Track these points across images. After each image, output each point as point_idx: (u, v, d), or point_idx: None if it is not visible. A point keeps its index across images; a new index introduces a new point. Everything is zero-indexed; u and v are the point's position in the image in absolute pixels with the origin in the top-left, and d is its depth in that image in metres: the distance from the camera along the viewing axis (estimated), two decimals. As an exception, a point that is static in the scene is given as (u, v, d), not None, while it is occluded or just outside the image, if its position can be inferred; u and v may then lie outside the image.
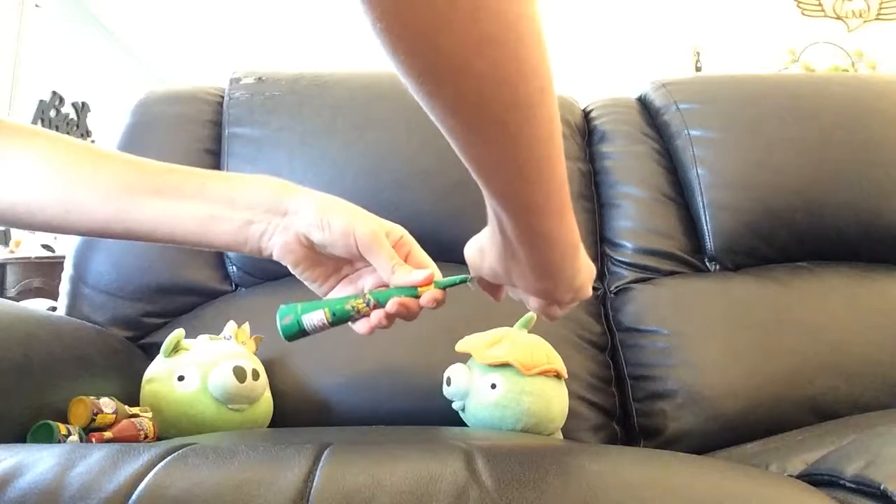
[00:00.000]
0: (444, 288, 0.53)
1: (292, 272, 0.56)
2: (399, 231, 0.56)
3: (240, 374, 0.86)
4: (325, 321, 0.52)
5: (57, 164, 0.53)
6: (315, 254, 0.54)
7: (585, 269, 0.50)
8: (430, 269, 0.54)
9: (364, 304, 0.52)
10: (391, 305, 0.51)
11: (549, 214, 0.42)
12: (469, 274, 0.53)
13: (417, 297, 0.52)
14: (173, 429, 0.84)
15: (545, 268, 0.46)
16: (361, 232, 0.52)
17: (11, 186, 0.53)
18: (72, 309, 1.09)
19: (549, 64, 0.35)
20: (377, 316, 0.52)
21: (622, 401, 1.06)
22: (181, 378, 0.86)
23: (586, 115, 1.32)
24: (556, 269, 0.47)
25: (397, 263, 0.52)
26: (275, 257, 0.54)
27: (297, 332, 0.53)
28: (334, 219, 0.52)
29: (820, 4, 3.46)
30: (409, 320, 0.53)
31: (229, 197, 0.53)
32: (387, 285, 0.53)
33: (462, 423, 0.91)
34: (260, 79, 1.21)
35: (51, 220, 0.53)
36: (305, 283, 0.56)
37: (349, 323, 0.54)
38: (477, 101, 0.34)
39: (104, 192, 0.52)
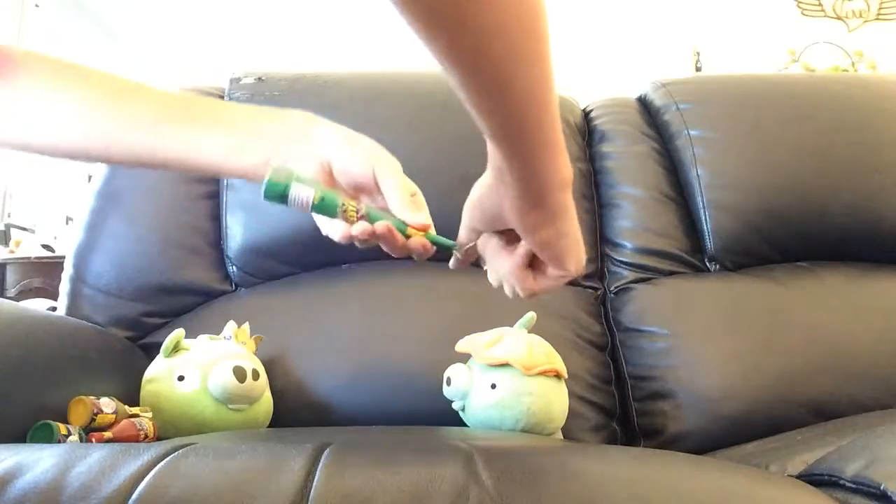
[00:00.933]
0: (434, 243, 0.53)
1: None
2: (415, 187, 0.57)
3: (240, 374, 0.86)
4: (310, 202, 0.50)
5: (96, 102, 0.56)
6: (332, 182, 0.55)
7: (572, 230, 0.50)
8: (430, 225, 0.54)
9: (354, 211, 0.51)
10: (380, 226, 0.51)
11: (538, 143, 0.43)
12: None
13: (407, 237, 0.52)
14: (173, 429, 0.84)
15: (531, 194, 0.46)
16: (382, 158, 0.54)
17: (53, 128, 0.56)
18: (72, 309, 1.09)
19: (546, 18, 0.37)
20: (359, 228, 0.51)
21: (622, 401, 1.06)
22: (181, 378, 0.86)
23: (586, 115, 1.32)
24: (541, 196, 0.46)
25: (406, 197, 0.53)
26: None
27: (278, 196, 0.50)
28: (358, 146, 0.54)
29: (820, 4, 3.46)
30: (389, 251, 0.53)
31: (257, 127, 0.55)
32: None
33: (462, 423, 0.91)
34: (260, 79, 1.21)
35: (90, 153, 0.57)
36: None
37: (327, 219, 0.53)
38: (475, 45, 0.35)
39: (141, 124, 0.55)
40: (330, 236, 0.55)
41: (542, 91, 0.40)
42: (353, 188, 0.56)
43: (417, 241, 0.52)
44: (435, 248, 0.53)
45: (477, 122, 0.41)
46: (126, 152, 0.56)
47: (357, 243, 0.52)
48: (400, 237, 0.52)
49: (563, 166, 0.45)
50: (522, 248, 0.52)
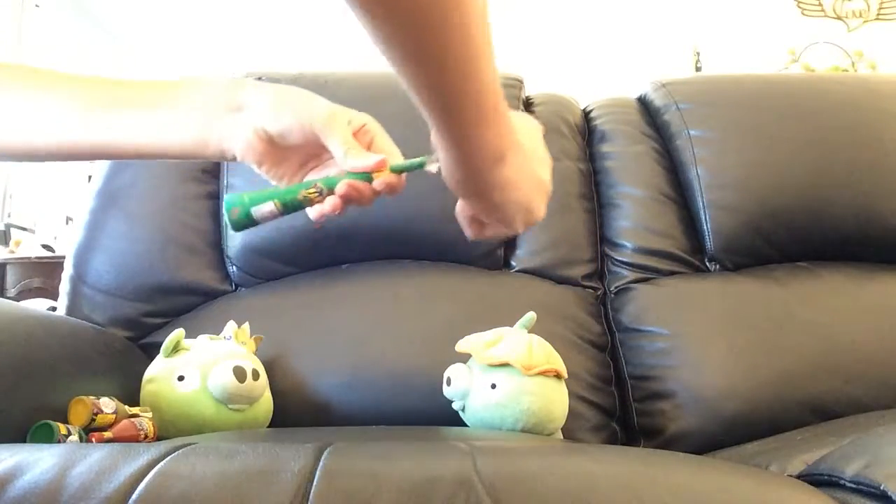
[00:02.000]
0: (399, 172, 0.51)
1: (258, 171, 0.54)
2: (363, 118, 0.54)
3: (240, 374, 0.86)
4: (276, 211, 0.51)
5: (16, 93, 0.54)
6: (277, 149, 0.52)
7: (515, 196, 0.50)
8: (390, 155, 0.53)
9: (316, 193, 0.50)
10: (341, 187, 0.50)
11: (469, 116, 0.43)
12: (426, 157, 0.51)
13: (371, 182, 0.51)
14: (173, 429, 0.84)
15: (463, 168, 0.47)
16: (317, 113, 0.51)
17: None
18: (72, 309, 1.09)
19: None
20: (330, 202, 0.50)
21: (622, 401, 1.06)
22: (181, 378, 0.86)
23: (586, 115, 1.32)
24: (474, 172, 0.47)
25: (351, 147, 0.50)
26: (238, 158, 0.52)
27: (247, 224, 0.51)
28: (290, 105, 0.51)
29: (820, 4, 3.46)
30: (363, 205, 0.51)
31: (183, 101, 0.52)
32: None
33: (462, 423, 0.91)
34: (260, 79, 1.21)
35: (8, 148, 0.54)
36: (272, 181, 0.54)
37: (306, 210, 0.52)
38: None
39: (63, 114, 0.53)
40: (312, 219, 0.53)
41: (475, 65, 0.40)
42: (300, 155, 0.54)
43: (380, 181, 0.50)
44: (403, 175, 0.52)
45: (411, 96, 0.41)
46: (62, 146, 0.53)
47: (337, 215, 0.51)
48: (364, 187, 0.50)
49: (496, 140, 0.45)
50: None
